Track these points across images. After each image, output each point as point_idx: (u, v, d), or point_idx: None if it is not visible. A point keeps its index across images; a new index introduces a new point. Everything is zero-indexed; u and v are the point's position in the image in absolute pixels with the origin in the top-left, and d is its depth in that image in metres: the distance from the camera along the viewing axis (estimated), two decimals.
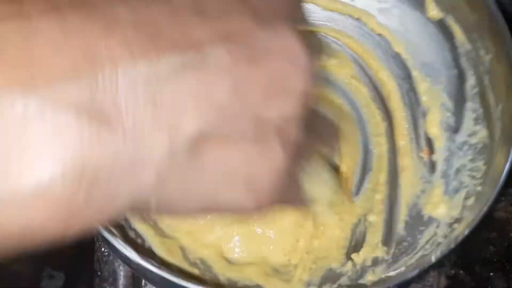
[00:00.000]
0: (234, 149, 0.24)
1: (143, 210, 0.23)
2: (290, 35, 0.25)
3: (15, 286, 0.56)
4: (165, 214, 0.26)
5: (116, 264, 0.45)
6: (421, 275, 0.41)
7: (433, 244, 0.41)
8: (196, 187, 0.23)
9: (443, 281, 0.44)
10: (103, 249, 0.45)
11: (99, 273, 0.45)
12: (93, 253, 0.46)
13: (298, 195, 0.31)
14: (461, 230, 0.34)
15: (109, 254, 0.45)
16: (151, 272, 0.32)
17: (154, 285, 0.38)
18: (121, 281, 0.44)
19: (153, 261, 0.33)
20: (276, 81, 0.24)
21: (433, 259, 0.33)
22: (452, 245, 0.33)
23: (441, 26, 0.48)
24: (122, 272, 0.44)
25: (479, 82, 0.45)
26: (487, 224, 0.44)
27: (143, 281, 0.44)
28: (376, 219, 0.45)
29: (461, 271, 0.44)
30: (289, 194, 0.29)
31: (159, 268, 0.32)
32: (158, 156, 0.20)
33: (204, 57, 0.21)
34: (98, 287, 0.45)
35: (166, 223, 0.40)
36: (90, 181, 0.19)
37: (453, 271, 0.44)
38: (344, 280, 0.41)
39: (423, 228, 0.43)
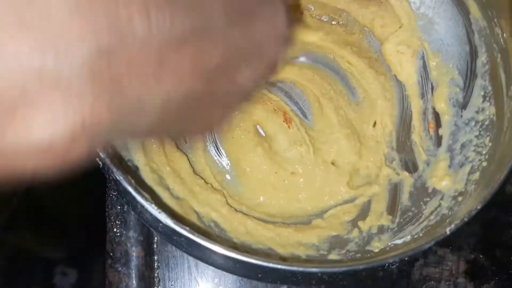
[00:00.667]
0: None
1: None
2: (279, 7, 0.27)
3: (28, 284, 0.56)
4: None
5: (129, 244, 0.45)
6: (440, 260, 0.42)
7: (437, 215, 0.43)
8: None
9: (463, 265, 0.45)
10: (115, 229, 0.45)
11: (111, 254, 0.45)
12: (104, 243, 0.46)
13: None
14: (474, 204, 0.36)
15: (121, 235, 0.45)
16: (165, 226, 0.33)
17: (166, 239, 0.38)
18: (134, 262, 0.45)
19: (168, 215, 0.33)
20: (256, 47, 0.26)
21: (448, 231, 0.34)
22: (466, 219, 0.34)
23: (458, 0, 0.48)
24: (134, 253, 0.44)
25: (491, 60, 0.46)
26: (506, 207, 0.45)
27: (156, 262, 0.44)
28: (381, 189, 0.47)
29: (480, 256, 0.45)
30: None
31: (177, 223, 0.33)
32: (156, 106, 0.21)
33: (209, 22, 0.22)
34: (110, 268, 0.45)
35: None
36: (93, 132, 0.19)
37: (472, 256, 0.45)
38: (351, 246, 0.42)
39: (427, 199, 0.45)
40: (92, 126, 0.19)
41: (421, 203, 0.45)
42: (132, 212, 0.45)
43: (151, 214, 0.35)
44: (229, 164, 0.47)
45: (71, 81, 0.18)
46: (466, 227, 0.34)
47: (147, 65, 0.20)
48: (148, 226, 0.37)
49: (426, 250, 0.36)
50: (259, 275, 0.34)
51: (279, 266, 0.32)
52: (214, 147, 0.47)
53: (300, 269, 0.31)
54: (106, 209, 0.45)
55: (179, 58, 0.21)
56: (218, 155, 0.47)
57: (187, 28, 0.21)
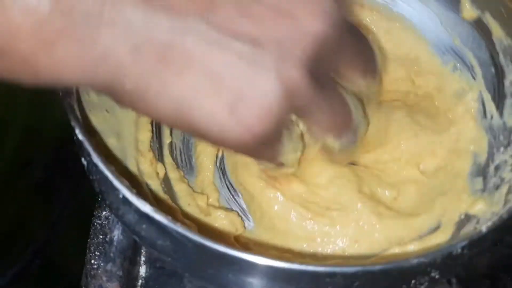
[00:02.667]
0: (226, 54, 0.23)
1: (116, 93, 0.24)
2: None
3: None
4: (140, 110, 0.25)
5: (105, 278, 0.41)
6: None
7: None
8: (174, 86, 0.23)
9: None
10: (93, 261, 0.42)
11: None
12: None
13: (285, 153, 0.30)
14: None
15: (98, 267, 0.41)
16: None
17: (150, 245, 0.33)
18: None
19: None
20: (288, 9, 0.25)
21: (484, 229, 0.29)
22: (505, 216, 0.29)
23: (478, 25, 0.46)
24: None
25: None
26: None
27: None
28: None
29: None
30: (279, 141, 0.28)
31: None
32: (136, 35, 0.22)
33: None
34: None
35: None
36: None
37: None
38: None
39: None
40: None
41: None
42: (114, 243, 0.41)
43: (133, 213, 0.30)
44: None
45: None
46: None
47: None
48: (131, 232, 0.33)
49: None
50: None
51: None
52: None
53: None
54: (88, 239, 0.42)
55: None
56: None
57: None
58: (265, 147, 0.27)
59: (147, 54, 0.23)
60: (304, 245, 0.39)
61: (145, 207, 0.28)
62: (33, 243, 0.52)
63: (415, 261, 0.27)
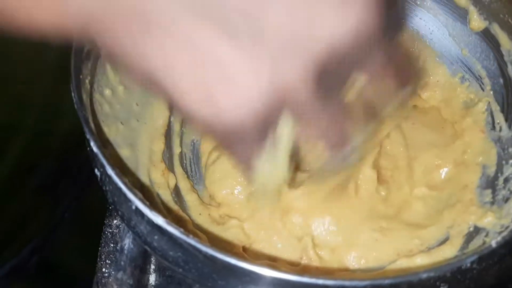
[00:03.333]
0: (222, 34, 0.22)
1: (97, 35, 0.22)
2: None
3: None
4: (114, 61, 0.25)
5: (115, 287, 0.42)
6: None
7: None
8: (155, 48, 0.22)
9: None
10: (104, 269, 0.42)
11: None
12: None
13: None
14: None
15: (109, 275, 0.42)
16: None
17: (162, 258, 0.33)
18: None
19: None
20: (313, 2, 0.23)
21: (494, 244, 0.29)
22: None
23: (486, 35, 0.46)
24: None
25: None
26: None
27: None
28: None
29: None
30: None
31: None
32: None
33: None
34: None
35: None
36: None
37: None
38: None
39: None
40: None
41: None
42: (125, 252, 0.42)
43: (146, 224, 0.31)
44: None
45: None
46: None
47: None
48: (142, 243, 0.33)
49: None
50: None
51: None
52: None
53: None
54: (99, 247, 0.42)
55: None
56: None
57: None
58: (239, 140, 0.26)
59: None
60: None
61: (158, 219, 0.28)
62: (33, 242, 0.53)
63: (424, 275, 0.27)
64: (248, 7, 0.22)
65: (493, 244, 0.29)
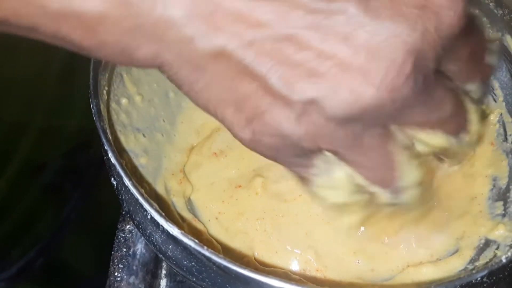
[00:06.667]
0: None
1: (163, 67, 0.24)
2: None
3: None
4: (183, 90, 0.26)
5: None
6: None
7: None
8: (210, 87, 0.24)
9: None
10: (116, 273, 0.43)
11: None
12: None
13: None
14: None
15: (121, 280, 0.42)
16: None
17: (176, 267, 0.34)
18: None
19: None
20: None
21: (504, 259, 0.29)
22: None
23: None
24: None
25: None
26: None
27: None
28: None
29: None
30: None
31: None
32: None
33: None
34: None
35: None
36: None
37: None
38: None
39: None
40: None
41: None
42: (137, 257, 0.42)
43: (160, 233, 0.31)
44: None
45: None
46: None
47: None
48: (157, 252, 0.34)
49: None
50: None
51: None
52: None
53: None
54: (112, 252, 0.43)
55: None
56: None
57: None
58: (289, 155, 0.26)
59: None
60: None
61: (174, 230, 0.29)
62: (39, 242, 0.54)
63: None
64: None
65: (503, 259, 0.29)
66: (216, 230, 0.41)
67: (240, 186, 0.42)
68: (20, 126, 0.52)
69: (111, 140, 0.32)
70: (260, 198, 0.41)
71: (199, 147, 0.43)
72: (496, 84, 0.46)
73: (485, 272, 0.28)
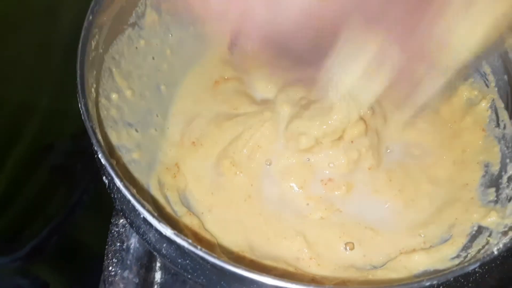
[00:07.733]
0: None
1: None
2: None
3: None
4: None
5: (122, 285, 0.42)
6: None
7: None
8: None
9: None
10: (110, 267, 0.43)
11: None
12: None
13: None
14: None
15: (115, 274, 0.42)
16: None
17: (170, 263, 0.34)
18: None
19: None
20: None
21: (496, 251, 0.29)
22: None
23: None
24: None
25: None
26: None
27: None
28: None
29: None
30: None
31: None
32: None
33: None
34: None
35: None
36: None
37: None
38: None
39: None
40: None
41: None
42: (131, 251, 0.42)
43: (154, 232, 0.31)
44: None
45: None
46: None
47: None
48: (151, 250, 0.34)
49: None
50: None
51: None
52: None
53: None
54: (106, 246, 0.43)
55: None
56: None
57: None
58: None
59: None
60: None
61: (167, 231, 0.29)
62: (51, 222, 0.54)
63: (427, 283, 0.28)
64: None
65: (495, 251, 0.29)
66: (211, 223, 0.41)
67: (221, 174, 0.42)
68: (27, 107, 0.52)
69: (101, 141, 0.31)
70: (240, 178, 0.41)
71: (181, 139, 0.43)
72: (488, 70, 0.46)
73: (477, 264, 0.29)
